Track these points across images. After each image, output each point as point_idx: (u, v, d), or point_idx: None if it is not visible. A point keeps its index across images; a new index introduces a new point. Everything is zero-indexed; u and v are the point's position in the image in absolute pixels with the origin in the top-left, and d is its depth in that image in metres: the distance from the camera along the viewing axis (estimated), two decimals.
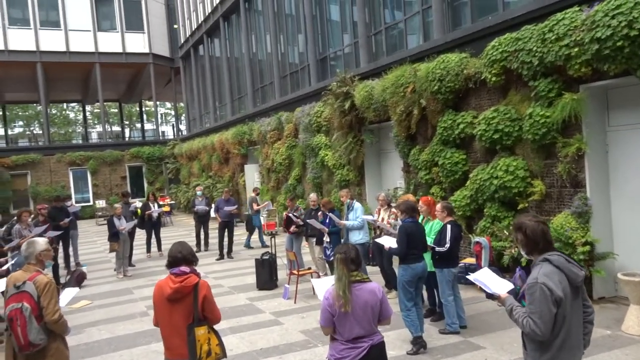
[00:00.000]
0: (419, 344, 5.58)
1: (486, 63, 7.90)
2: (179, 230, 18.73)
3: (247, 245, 13.69)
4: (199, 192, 14.06)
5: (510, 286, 3.25)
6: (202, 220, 13.54)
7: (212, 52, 24.93)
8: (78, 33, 27.56)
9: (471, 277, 3.46)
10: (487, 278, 3.30)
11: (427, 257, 6.20)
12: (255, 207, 13.83)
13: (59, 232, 10.28)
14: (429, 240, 6.24)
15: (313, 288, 8.47)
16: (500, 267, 7.78)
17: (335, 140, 12.29)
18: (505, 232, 7.82)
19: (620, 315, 6.04)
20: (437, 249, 6.03)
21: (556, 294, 2.81)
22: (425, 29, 10.78)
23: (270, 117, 16.51)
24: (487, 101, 8.38)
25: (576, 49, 6.47)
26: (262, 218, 13.83)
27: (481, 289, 7.46)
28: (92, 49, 27.77)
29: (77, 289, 4.72)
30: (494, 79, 7.82)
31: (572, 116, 6.75)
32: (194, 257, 3.77)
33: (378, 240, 6.94)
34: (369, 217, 8.19)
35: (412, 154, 9.92)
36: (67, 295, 4.25)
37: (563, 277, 2.88)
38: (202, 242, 13.65)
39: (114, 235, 10.81)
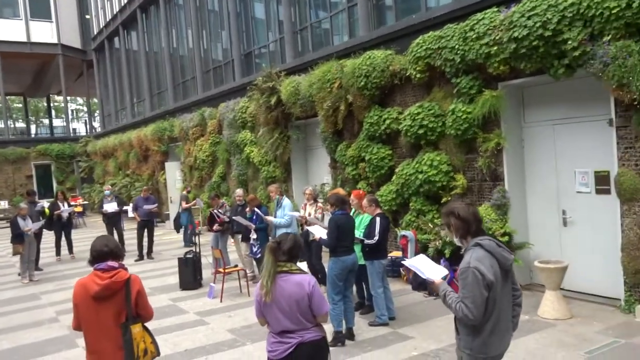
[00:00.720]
0: (337, 338, 5.52)
1: (411, 60, 8.05)
2: (93, 232, 17.56)
3: (190, 242, 12.62)
4: (107, 192, 13.01)
5: (445, 272, 3.25)
6: (112, 221, 12.33)
7: (128, 45, 23.71)
8: None
9: (406, 262, 3.42)
10: (422, 264, 3.27)
11: (357, 249, 6.19)
12: (184, 205, 13.19)
13: None
14: (358, 234, 6.22)
15: (240, 286, 8.23)
16: None
17: (261, 136, 12.07)
18: (430, 225, 8.01)
19: (536, 301, 6.35)
20: (367, 241, 6.02)
21: (488, 278, 2.83)
22: (350, 26, 10.84)
23: (192, 113, 15.94)
24: (412, 97, 8.55)
25: (495, 48, 6.73)
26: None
27: (413, 278, 7.61)
28: None
29: None
30: (418, 75, 7.99)
31: (492, 112, 7.04)
32: (121, 252, 3.45)
33: (309, 228, 6.84)
34: (295, 214, 8.07)
35: (339, 150, 9.93)
36: None
37: (494, 261, 2.91)
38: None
39: (17, 236, 9.87)
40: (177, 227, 13.55)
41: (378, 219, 6.10)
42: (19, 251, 9.89)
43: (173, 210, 17.26)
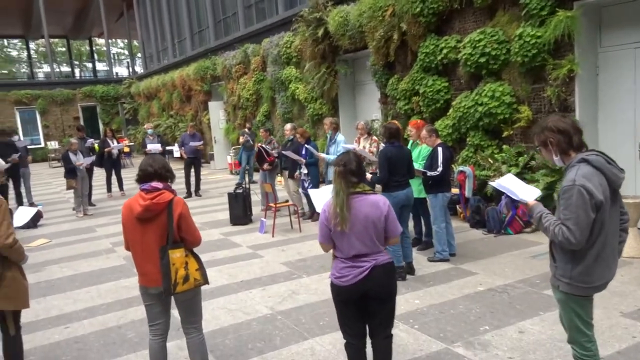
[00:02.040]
0: (398, 273, 5.30)
1: None
2: None
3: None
4: (149, 131, 12.84)
5: (538, 192, 2.93)
6: None
7: None
8: None
9: (494, 183, 3.11)
10: (512, 184, 2.95)
11: (415, 184, 5.89)
12: (241, 140, 12.75)
13: (7, 165, 9.34)
14: (417, 166, 5.90)
15: (290, 222, 8.13)
16: (484, 197, 7.62)
17: (307, 71, 11.64)
18: (489, 160, 7.59)
19: None
20: (429, 173, 5.69)
21: (597, 197, 2.48)
22: None
23: (235, 50, 15.55)
24: (472, 24, 7.92)
25: None
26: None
27: (470, 215, 7.30)
28: None
29: (34, 208, 4.16)
30: None
31: (565, 35, 6.40)
32: (169, 173, 3.26)
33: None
34: (349, 146, 7.74)
35: (391, 84, 9.46)
36: (22, 215, 3.69)
37: (603, 179, 2.55)
38: None
39: (70, 171, 10.02)
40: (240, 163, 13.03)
41: (440, 149, 5.74)
42: (72, 185, 10.06)
43: (217, 150, 17.32)
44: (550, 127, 2.66)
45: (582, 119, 6.67)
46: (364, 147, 7.43)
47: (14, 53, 48.05)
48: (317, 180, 8.37)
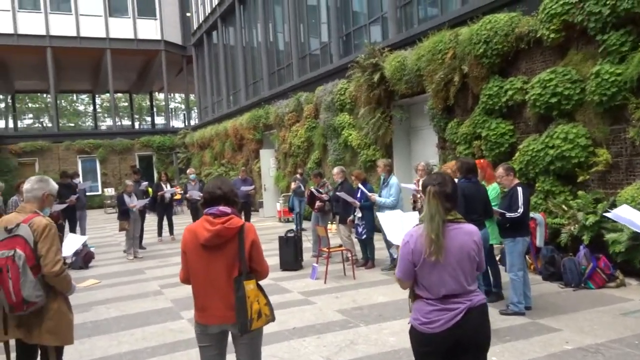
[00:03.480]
0: None
1: (543, 19, 7.05)
2: (191, 219, 17.94)
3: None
4: (192, 176, 12.32)
5: None
6: (196, 207, 11.31)
7: (226, 38, 24.16)
8: (89, 18, 26.91)
9: (610, 213, 2.64)
10: (630, 214, 2.47)
11: (491, 228, 5.39)
12: (292, 186, 12.27)
13: (64, 205, 9.48)
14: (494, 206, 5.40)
15: (344, 269, 7.67)
16: (557, 247, 6.94)
17: (362, 116, 11.45)
18: (563, 207, 6.96)
19: None
20: (508, 214, 5.17)
21: None
22: None
23: (288, 99, 15.70)
24: (540, 64, 7.52)
25: None
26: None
27: (543, 266, 6.64)
28: (103, 35, 27.12)
29: (84, 237, 3.95)
30: (552, 35, 6.96)
31: None
32: (237, 197, 2.97)
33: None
34: (410, 186, 7.31)
35: (450, 128, 9.08)
36: (72, 243, 3.46)
37: None
38: None
39: (123, 213, 10.05)
40: (290, 210, 12.52)
41: (520, 188, 5.24)
42: (124, 227, 10.05)
43: (267, 198, 17.21)
44: None
45: None
46: None
47: (81, 107, 51.24)
48: (372, 225, 7.94)
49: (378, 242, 8.36)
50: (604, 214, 4.21)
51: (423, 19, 11.22)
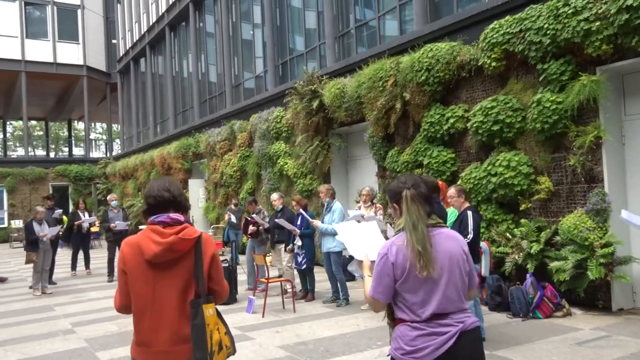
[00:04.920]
0: None
1: (484, 47, 7.12)
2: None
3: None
4: (114, 202, 10.55)
5: None
6: (119, 239, 9.33)
7: (154, 65, 23.29)
8: (3, 39, 25.06)
9: (623, 214, 2.36)
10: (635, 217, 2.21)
11: None
12: (226, 217, 11.47)
13: None
14: None
15: (283, 302, 7.10)
16: (502, 275, 6.81)
17: (299, 144, 11.11)
18: (507, 235, 6.88)
19: None
20: None
21: None
22: (401, 24, 10.04)
23: (220, 127, 15.11)
24: (481, 92, 7.58)
25: (597, 23, 5.78)
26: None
27: (489, 296, 6.42)
28: (19, 57, 25.29)
29: None
30: (493, 64, 7.02)
31: (590, 100, 6.00)
32: (188, 201, 2.42)
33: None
34: (357, 212, 6.95)
35: (390, 156, 8.92)
36: None
37: None
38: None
39: (31, 243, 8.89)
40: (224, 244, 11.81)
41: (470, 212, 5.03)
42: (32, 259, 8.87)
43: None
44: None
45: (611, 188, 6.13)
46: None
47: None
48: (313, 255, 7.49)
49: (318, 273, 7.89)
50: (621, 216, 3.73)
51: (362, 48, 11.22)
